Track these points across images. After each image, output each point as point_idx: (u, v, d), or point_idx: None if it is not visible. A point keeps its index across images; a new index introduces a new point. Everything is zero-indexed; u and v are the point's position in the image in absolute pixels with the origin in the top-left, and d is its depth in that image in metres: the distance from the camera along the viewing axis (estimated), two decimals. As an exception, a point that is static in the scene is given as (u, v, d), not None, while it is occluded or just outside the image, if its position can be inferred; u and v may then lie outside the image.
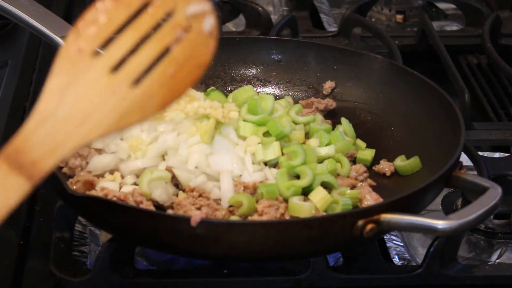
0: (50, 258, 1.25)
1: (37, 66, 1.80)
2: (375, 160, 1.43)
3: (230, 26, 2.12)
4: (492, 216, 1.38)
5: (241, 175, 1.33)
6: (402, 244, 1.35)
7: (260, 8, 2.02)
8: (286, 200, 1.29)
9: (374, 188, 1.36)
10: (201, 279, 1.24)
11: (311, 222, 1.16)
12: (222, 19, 2.04)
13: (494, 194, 1.19)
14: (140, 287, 1.23)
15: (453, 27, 2.15)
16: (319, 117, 1.49)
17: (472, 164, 1.44)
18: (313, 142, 1.41)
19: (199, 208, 1.25)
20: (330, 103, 1.53)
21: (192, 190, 1.29)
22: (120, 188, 1.30)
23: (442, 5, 2.22)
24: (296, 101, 1.54)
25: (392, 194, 1.30)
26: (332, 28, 2.09)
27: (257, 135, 1.38)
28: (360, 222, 1.14)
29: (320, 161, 1.39)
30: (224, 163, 1.32)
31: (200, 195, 1.28)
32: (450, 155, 1.27)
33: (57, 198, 1.31)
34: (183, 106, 1.36)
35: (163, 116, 1.35)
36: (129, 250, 1.24)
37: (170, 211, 1.26)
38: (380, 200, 1.32)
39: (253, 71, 1.58)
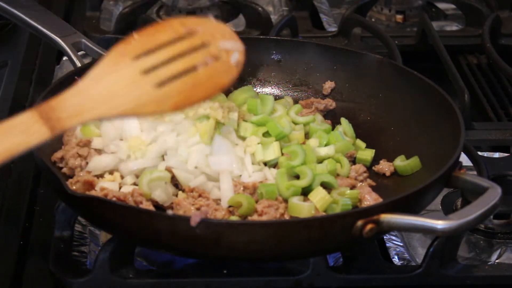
0: (50, 258, 1.26)
1: (37, 66, 1.80)
2: (375, 160, 1.43)
3: (230, 26, 2.11)
4: (491, 216, 1.37)
5: (240, 175, 1.33)
6: (402, 244, 1.35)
7: (260, 8, 2.02)
8: (285, 200, 1.29)
9: (374, 188, 1.36)
10: (201, 279, 1.24)
11: (311, 222, 1.16)
12: (222, 19, 2.04)
13: (494, 194, 1.19)
14: (140, 287, 1.23)
15: (453, 27, 2.14)
16: (319, 117, 1.49)
17: (472, 164, 1.44)
18: (312, 142, 1.41)
19: (198, 208, 1.25)
20: (330, 103, 1.53)
21: (191, 190, 1.29)
22: (120, 188, 1.30)
23: (442, 5, 2.22)
24: (295, 101, 1.54)
25: (391, 194, 1.30)
26: (332, 28, 2.08)
27: (257, 135, 1.38)
28: (360, 222, 1.14)
29: (320, 161, 1.39)
30: (224, 163, 1.32)
31: (199, 195, 1.28)
32: (450, 155, 1.27)
33: (57, 198, 1.31)
34: (183, 106, 1.36)
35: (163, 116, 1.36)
36: (129, 250, 1.24)
37: (169, 211, 1.26)
38: (380, 200, 1.32)
39: (253, 71, 1.58)
